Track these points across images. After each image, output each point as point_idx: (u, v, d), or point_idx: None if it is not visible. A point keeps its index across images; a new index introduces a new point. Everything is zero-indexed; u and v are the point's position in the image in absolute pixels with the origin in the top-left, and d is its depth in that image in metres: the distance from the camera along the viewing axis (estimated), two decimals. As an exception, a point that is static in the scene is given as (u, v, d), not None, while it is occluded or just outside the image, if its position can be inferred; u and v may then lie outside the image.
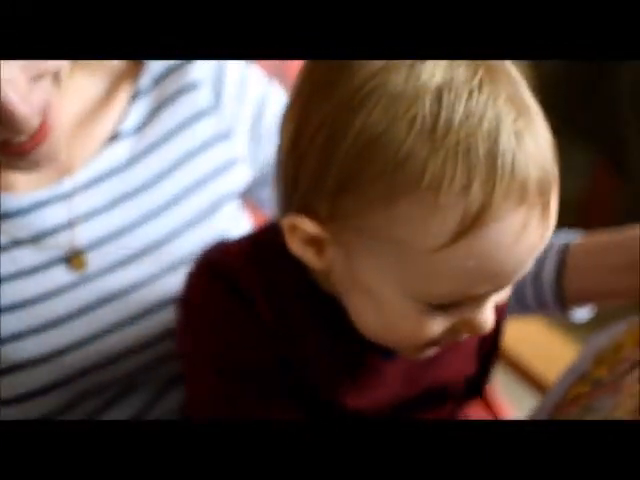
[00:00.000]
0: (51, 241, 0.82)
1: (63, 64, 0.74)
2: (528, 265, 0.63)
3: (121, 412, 0.86)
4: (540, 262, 0.88)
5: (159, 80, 0.87)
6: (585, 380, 0.83)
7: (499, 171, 0.58)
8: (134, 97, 0.87)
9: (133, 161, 0.86)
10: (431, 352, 0.70)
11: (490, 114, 0.58)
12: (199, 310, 0.73)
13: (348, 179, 0.60)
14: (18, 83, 0.67)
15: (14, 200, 0.81)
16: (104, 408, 0.85)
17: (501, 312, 0.82)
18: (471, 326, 0.66)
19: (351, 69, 0.61)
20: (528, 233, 0.60)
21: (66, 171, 0.83)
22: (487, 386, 1.16)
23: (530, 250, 0.61)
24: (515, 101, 0.60)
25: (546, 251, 0.88)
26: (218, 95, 0.89)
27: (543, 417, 0.85)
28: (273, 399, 0.71)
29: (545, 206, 0.60)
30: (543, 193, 0.60)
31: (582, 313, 0.92)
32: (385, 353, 0.73)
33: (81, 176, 0.84)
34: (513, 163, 0.58)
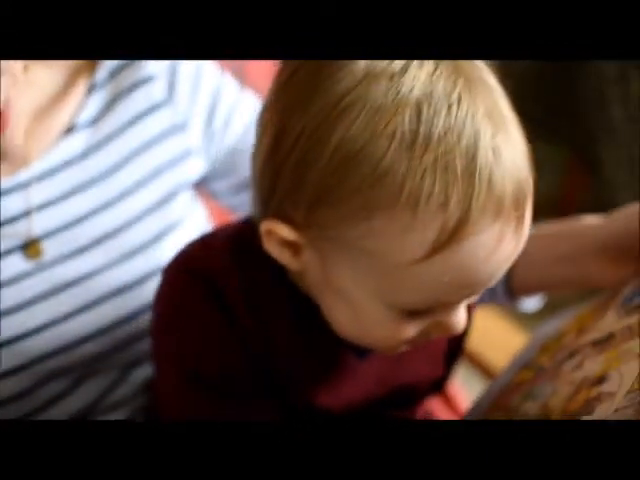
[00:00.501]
0: (8, 230, 0.83)
1: (13, 63, 0.75)
2: (502, 273, 0.63)
3: (85, 394, 0.87)
4: None
5: (115, 73, 0.89)
6: (530, 367, 0.85)
7: (477, 188, 0.58)
8: (90, 90, 0.88)
9: (89, 152, 0.87)
10: (404, 348, 0.70)
11: (469, 130, 0.58)
12: (176, 310, 0.72)
13: (325, 192, 0.60)
14: None
15: None
16: (69, 390, 0.87)
17: (470, 314, 0.85)
18: (445, 327, 0.67)
19: (332, 79, 0.60)
20: (503, 246, 0.60)
21: (22, 162, 0.84)
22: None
23: (505, 260, 0.62)
24: (493, 115, 0.60)
25: None
26: (172, 88, 0.91)
27: (488, 402, 0.87)
28: (247, 400, 0.71)
29: (520, 219, 0.61)
30: (518, 207, 0.60)
31: (532, 303, 0.94)
32: (359, 353, 0.74)
33: (37, 167, 0.85)
34: (490, 179, 0.58)
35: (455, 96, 0.59)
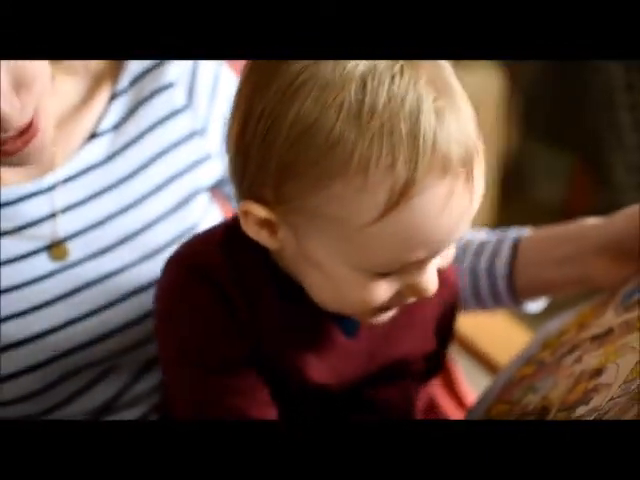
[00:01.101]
0: (34, 231, 0.87)
1: (44, 71, 0.79)
2: (461, 229, 0.67)
3: (104, 390, 0.91)
4: (493, 256, 0.93)
5: (136, 80, 0.92)
6: (531, 362, 0.88)
7: (421, 149, 0.62)
8: (112, 98, 0.92)
9: (111, 157, 0.90)
10: (386, 317, 0.74)
11: (411, 96, 0.62)
12: (176, 303, 0.76)
13: (287, 166, 0.65)
14: (1, 87, 0.73)
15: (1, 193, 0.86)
16: (86, 388, 0.90)
17: (455, 294, 0.88)
18: (416, 290, 0.70)
19: (287, 62, 0.65)
20: (454, 201, 0.64)
21: (48, 167, 0.88)
22: (454, 375, 1.22)
23: (459, 216, 0.66)
24: (436, 82, 0.64)
25: (499, 245, 0.94)
26: (191, 94, 0.94)
27: (492, 397, 0.90)
28: (245, 381, 0.75)
29: (469, 175, 0.64)
30: (465, 164, 0.64)
31: (536, 305, 0.97)
32: (348, 331, 0.78)
33: (63, 171, 0.88)
34: (434, 140, 0.62)
35: (398, 67, 0.63)
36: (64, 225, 0.88)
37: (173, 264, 0.77)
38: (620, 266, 0.84)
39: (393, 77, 0.63)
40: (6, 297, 0.85)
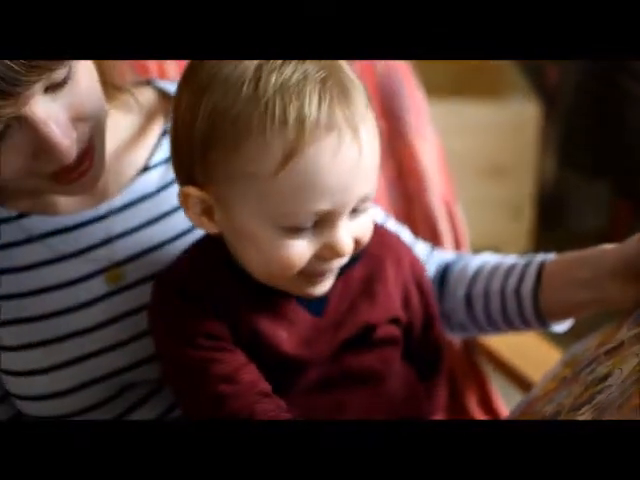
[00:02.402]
0: (91, 256, 0.94)
1: (101, 106, 0.86)
2: (358, 186, 0.78)
3: (154, 407, 0.96)
4: (520, 279, 1.00)
5: None
6: (554, 379, 0.93)
7: (306, 109, 0.75)
8: (164, 134, 0.99)
9: (163, 188, 0.97)
10: (322, 288, 0.85)
11: (299, 71, 0.76)
12: (160, 316, 0.88)
13: (207, 140, 0.79)
14: (60, 119, 0.80)
15: (59, 220, 0.94)
16: (140, 403, 0.96)
17: (418, 274, 0.97)
18: (331, 249, 0.80)
19: (201, 62, 0.80)
20: (342, 154, 0.77)
21: (103, 196, 0.95)
22: (490, 395, 1.27)
23: (350, 169, 0.78)
24: (321, 63, 0.78)
25: (526, 268, 1.00)
26: None
27: (518, 412, 0.95)
28: (230, 354, 0.85)
29: (355, 133, 0.77)
30: (350, 125, 0.77)
31: (562, 325, 1.02)
32: (314, 310, 0.88)
33: (117, 201, 0.96)
34: (319, 103, 0.76)
35: (288, 61, 0.77)
36: (119, 250, 0.95)
37: (155, 284, 0.90)
38: (636, 287, 0.89)
39: (283, 63, 0.77)
40: (64, 318, 0.92)
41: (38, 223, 0.94)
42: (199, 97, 0.79)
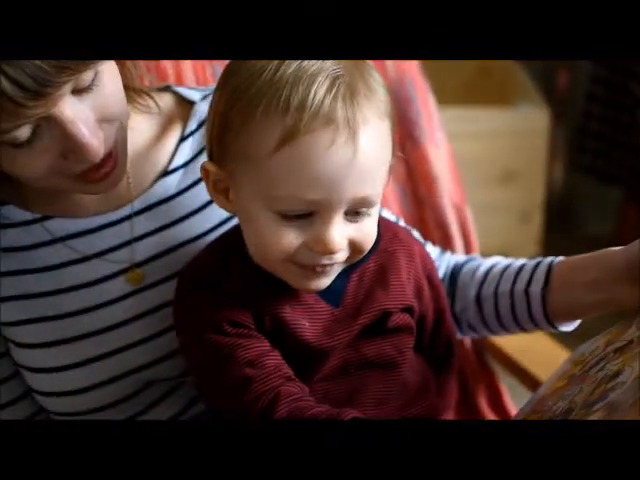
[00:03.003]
0: (112, 257, 0.97)
1: (125, 109, 0.89)
2: (351, 184, 0.81)
3: (171, 406, 0.99)
4: (529, 280, 1.02)
5: (203, 123, 1.00)
6: (563, 377, 0.94)
7: (309, 102, 0.79)
8: (183, 139, 1.01)
9: (181, 192, 1.00)
10: (319, 284, 0.87)
11: (315, 67, 0.80)
12: (183, 306, 0.91)
13: (223, 123, 0.84)
14: (88, 120, 0.83)
15: (81, 222, 0.96)
16: (157, 402, 0.98)
17: (428, 268, 1.00)
18: (319, 243, 0.82)
19: (241, 67, 0.84)
20: (335, 150, 0.79)
21: (124, 200, 0.98)
22: (500, 394, 1.29)
23: (343, 167, 0.80)
24: (346, 62, 0.82)
25: (535, 270, 1.02)
26: None
27: (527, 410, 0.96)
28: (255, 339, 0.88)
29: (351, 136, 0.80)
30: (350, 126, 0.80)
31: (570, 326, 1.04)
32: (332, 302, 0.91)
33: (137, 204, 0.98)
34: (322, 100, 0.79)
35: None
36: (139, 252, 0.97)
37: (180, 277, 0.93)
38: None
39: (302, 61, 0.81)
40: (86, 317, 0.95)
41: (61, 225, 0.96)
42: (227, 79, 0.85)
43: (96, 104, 0.84)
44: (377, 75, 0.84)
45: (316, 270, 0.85)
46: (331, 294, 0.90)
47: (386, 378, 0.93)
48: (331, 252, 0.83)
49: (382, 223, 0.93)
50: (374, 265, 0.94)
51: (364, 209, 0.83)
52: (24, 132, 0.81)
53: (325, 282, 0.87)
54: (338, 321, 0.91)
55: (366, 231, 0.85)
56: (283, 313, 0.88)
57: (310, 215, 0.82)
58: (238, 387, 0.85)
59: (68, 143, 0.83)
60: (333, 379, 0.91)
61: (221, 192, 0.88)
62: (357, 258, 0.87)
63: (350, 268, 0.90)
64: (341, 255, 0.84)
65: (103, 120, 0.86)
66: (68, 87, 0.80)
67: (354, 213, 0.83)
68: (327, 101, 0.80)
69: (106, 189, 0.91)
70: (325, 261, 0.84)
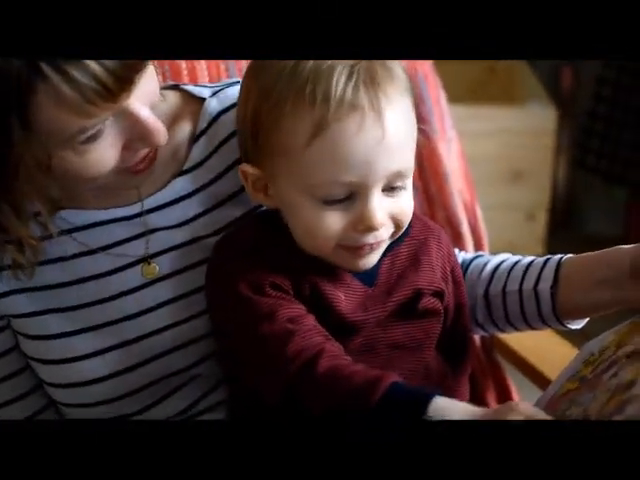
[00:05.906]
0: (126, 250, 0.97)
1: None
2: (384, 161, 0.85)
3: (182, 399, 1.00)
4: (538, 277, 1.02)
5: (214, 120, 1.01)
6: (574, 378, 0.94)
7: (332, 91, 0.84)
8: (195, 139, 1.01)
9: (195, 192, 1.00)
10: (367, 262, 0.91)
11: (330, 64, 0.84)
12: (225, 269, 0.93)
13: (255, 124, 0.89)
14: (146, 105, 0.87)
15: (92, 215, 0.97)
16: (167, 395, 1.00)
17: (451, 256, 1.03)
18: (363, 220, 0.87)
19: (262, 69, 0.89)
20: (365, 132, 0.84)
21: (136, 196, 0.99)
22: (508, 391, 1.29)
23: (374, 146, 0.85)
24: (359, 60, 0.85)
25: (544, 267, 1.02)
26: None
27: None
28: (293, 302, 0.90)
29: (377, 117, 0.85)
30: (374, 106, 0.84)
31: (579, 323, 1.05)
32: (367, 282, 0.94)
33: (152, 202, 0.99)
34: (344, 89, 0.84)
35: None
36: (154, 246, 0.98)
37: (218, 245, 0.97)
38: None
39: (323, 61, 0.85)
40: (101, 307, 0.96)
41: (73, 217, 0.97)
42: (252, 81, 0.90)
43: (144, 92, 0.87)
44: None
45: (365, 249, 0.89)
46: (365, 276, 0.94)
47: (412, 359, 0.96)
48: (375, 228, 0.87)
49: (413, 215, 0.94)
50: (406, 250, 0.97)
51: (399, 183, 0.88)
52: (98, 129, 0.85)
53: (373, 259, 0.91)
54: (372, 299, 0.94)
55: (404, 204, 0.90)
56: (321, 283, 0.91)
57: (350, 197, 0.87)
58: (280, 340, 0.86)
59: (137, 131, 0.87)
60: (360, 355, 0.91)
61: (260, 190, 0.92)
62: (399, 234, 0.91)
63: (383, 253, 0.93)
64: (384, 232, 0.89)
65: (150, 107, 0.89)
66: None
67: (390, 189, 0.88)
68: (349, 89, 0.84)
69: (145, 178, 0.95)
70: (371, 240, 0.89)
